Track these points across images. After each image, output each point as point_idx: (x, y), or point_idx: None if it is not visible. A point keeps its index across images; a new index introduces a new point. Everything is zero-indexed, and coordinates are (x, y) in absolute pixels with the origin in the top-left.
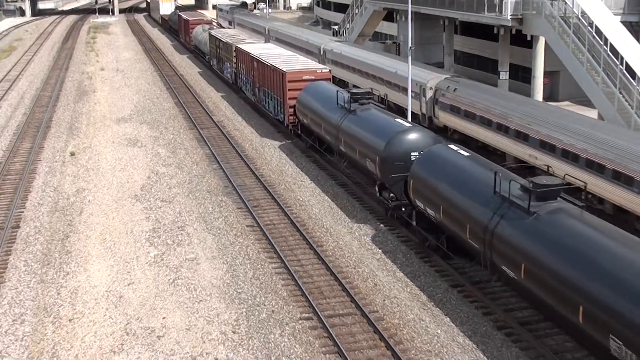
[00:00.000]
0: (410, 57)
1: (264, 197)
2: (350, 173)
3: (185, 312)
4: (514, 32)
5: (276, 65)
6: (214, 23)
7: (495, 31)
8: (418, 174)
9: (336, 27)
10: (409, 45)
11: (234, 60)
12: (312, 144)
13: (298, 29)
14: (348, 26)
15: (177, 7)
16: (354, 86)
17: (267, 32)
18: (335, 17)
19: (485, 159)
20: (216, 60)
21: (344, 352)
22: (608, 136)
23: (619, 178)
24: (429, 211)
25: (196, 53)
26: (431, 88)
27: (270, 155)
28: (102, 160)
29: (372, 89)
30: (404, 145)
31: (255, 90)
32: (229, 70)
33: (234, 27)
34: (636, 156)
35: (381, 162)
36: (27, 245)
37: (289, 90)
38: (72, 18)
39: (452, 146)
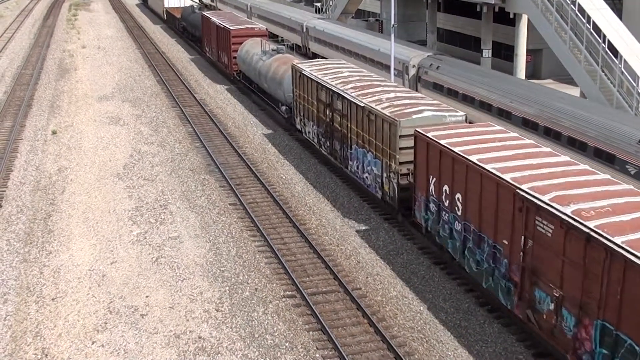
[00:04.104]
0: (393, 35)
1: (246, 175)
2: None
3: (168, 290)
4: (497, 9)
5: None
6: (268, 41)
7: (478, 9)
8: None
9: (319, 4)
10: (392, 22)
11: (395, 163)
12: None
13: (281, 6)
14: (331, 3)
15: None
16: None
17: (249, 9)
18: None
19: None
20: (321, 131)
21: (327, 329)
22: (591, 114)
23: (600, 156)
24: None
25: (243, 85)
26: (414, 66)
27: (253, 134)
28: (84, 138)
29: None
30: None
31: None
32: (381, 177)
33: (216, 4)
34: (618, 134)
35: None
36: (9, 225)
37: None
38: None
39: None
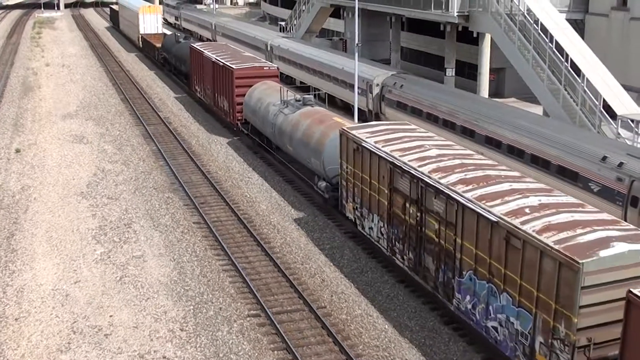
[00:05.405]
0: (357, 54)
1: (210, 193)
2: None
3: (132, 310)
4: (460, 29)
5: None
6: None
7: (441, 28)
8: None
9: (283, 23)
10: (356, 42)
11: (569, 327)
12: None
13: (245, 25)
14: (295, 22)
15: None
16: (301, 83)
17: (213, 28)
18: (283, 13)
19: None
20: (397, 234)
21: (292, 348)
22: (553, 132)
23: (563, 173)
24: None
25: (252, 140)
26: (378, 84)
27: (217, 152)
28: (48, 157)
29: None
30: None
31: None
32: (530, 340)
33: (181, 23)
34: (581, 152)
35: None
36: None
37: None
38: (17, 13)
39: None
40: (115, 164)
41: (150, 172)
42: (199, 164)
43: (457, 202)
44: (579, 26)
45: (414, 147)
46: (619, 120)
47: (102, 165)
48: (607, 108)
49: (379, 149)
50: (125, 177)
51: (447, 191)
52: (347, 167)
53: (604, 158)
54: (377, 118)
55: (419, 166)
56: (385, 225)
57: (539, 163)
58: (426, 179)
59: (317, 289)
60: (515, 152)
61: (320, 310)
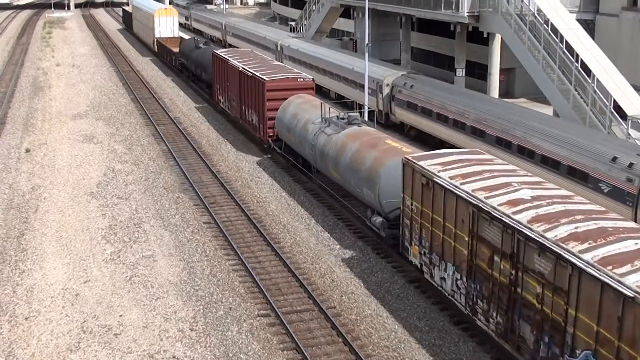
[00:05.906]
0: (367, 54)
1: (220, 193)
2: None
3: (142, 309)
4: (470, 29)
5: None
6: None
7: (451, 28)
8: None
9: (293, 23)
10: (366, 42)
11: None
12: None
13: (255, 25)
14: (305, 22)
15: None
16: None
17: (223, 28)
18: (293, 13)
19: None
20: (480, 291)
21: (302, 348)
22: (564, 133)
23: (574, 174)
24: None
25: (285, 159)
26: (388, 85)
27: (227, 152)
28: (58, 157)
29: None
30: None
31: None
32: None
33: (191, 23)
34: (592, 153)
35: None
36: None
37: None
38: (27, 13)
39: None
40: (126, 164)
41: (160, 172)
42: (209, 164)
43: (572, 264)
44: (589, 26)
45: (500, 185)
46: (629, 121)
47: (112, 165)
48: (618, 108)
49: (457, 187)
50: (135, 177)
51: (556, 249)
52: (412, 204)
53: (614, 159)
54: (387, 119)
55: (514, 213)
56: (464, 279)
57: (549, 163)
58: (525, 231)
59: (327, 289)
60: (525, 153)
61: (330, 311)
